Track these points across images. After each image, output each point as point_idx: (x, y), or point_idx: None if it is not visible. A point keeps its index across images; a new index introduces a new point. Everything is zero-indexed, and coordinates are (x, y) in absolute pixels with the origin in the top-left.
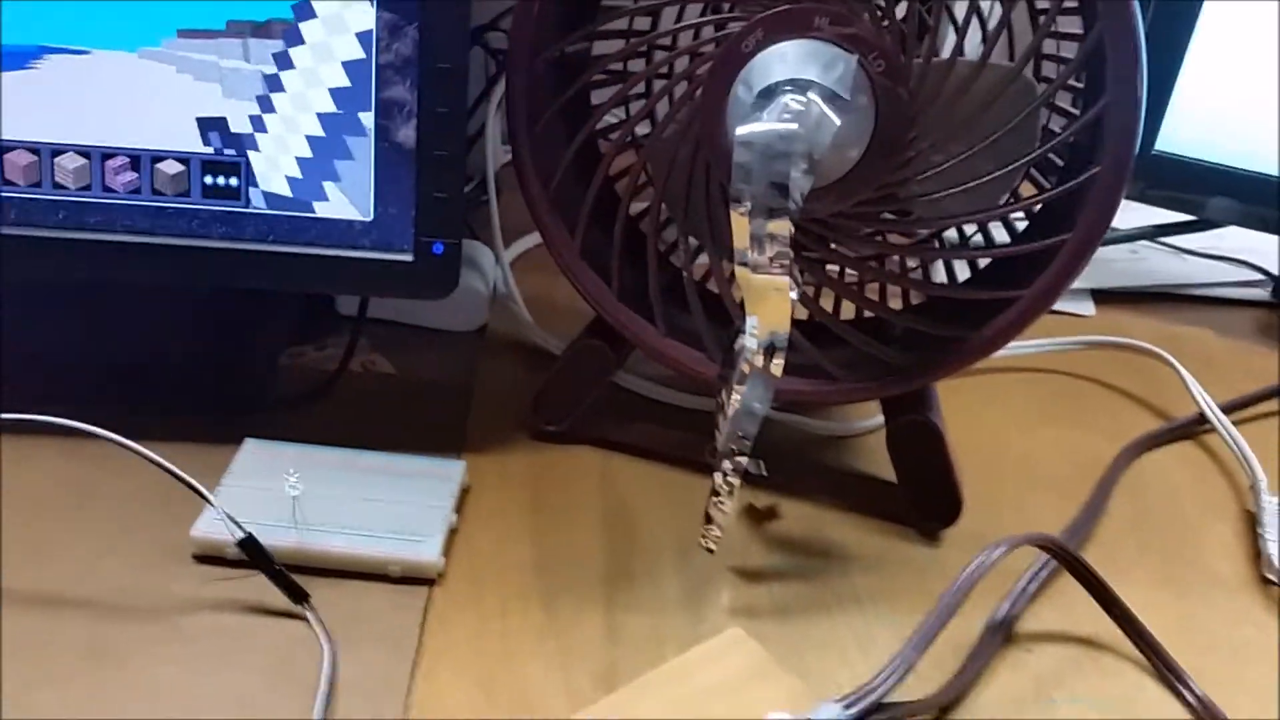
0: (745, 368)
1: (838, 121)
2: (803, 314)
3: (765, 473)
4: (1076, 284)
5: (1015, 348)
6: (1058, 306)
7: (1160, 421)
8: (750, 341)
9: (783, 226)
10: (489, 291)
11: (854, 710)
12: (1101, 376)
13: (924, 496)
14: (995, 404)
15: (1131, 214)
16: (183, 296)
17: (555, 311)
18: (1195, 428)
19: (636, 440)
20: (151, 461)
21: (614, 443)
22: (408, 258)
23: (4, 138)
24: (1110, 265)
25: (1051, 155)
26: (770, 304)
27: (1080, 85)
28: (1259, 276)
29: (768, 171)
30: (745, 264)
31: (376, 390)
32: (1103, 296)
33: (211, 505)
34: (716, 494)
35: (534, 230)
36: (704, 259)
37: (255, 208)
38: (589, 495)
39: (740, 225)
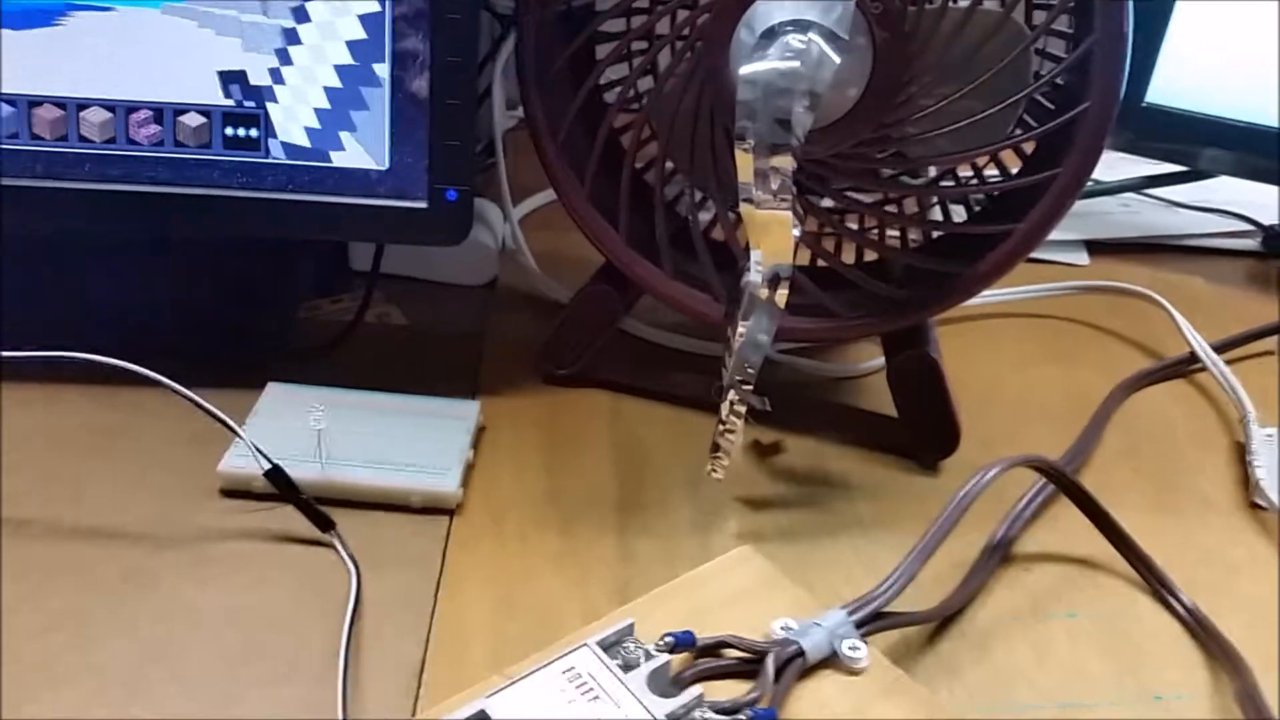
0: (750, 300)
1: (837, 60)
2: (805, 258)
3: (770, 408)
4: (1070, 235)
5: (1010, 293)
6: (1052, 257)
7: (1152, 361)
8: (755, 274)
9: (785, 161)
10: (498, 246)
11: (858, 616)
12: (1095, 320)
13: (923, 428)
14: (991, 347)
15: (1123, 167)
16: (200, 250)
17: (563, 266)
18: (1186, 366)
19: (645, 383)
20: (183, 396)
21: (623, 385)
22: (422, 205)
23: (32, 93)
24: (1103, 217)
25: (1043, 101)
26: (773, 237)
27: (1070, 32)
28: (1248, 227)
29: (771, 108)
30: (749, 200)
31: (391, 340)
32: (1096, 247)
33: (239, 437)
34: (724, 423)
35: (540, 191)
36: (710, 209)
37: (275, 158)
38: (600, 434)
39: (744, 161)
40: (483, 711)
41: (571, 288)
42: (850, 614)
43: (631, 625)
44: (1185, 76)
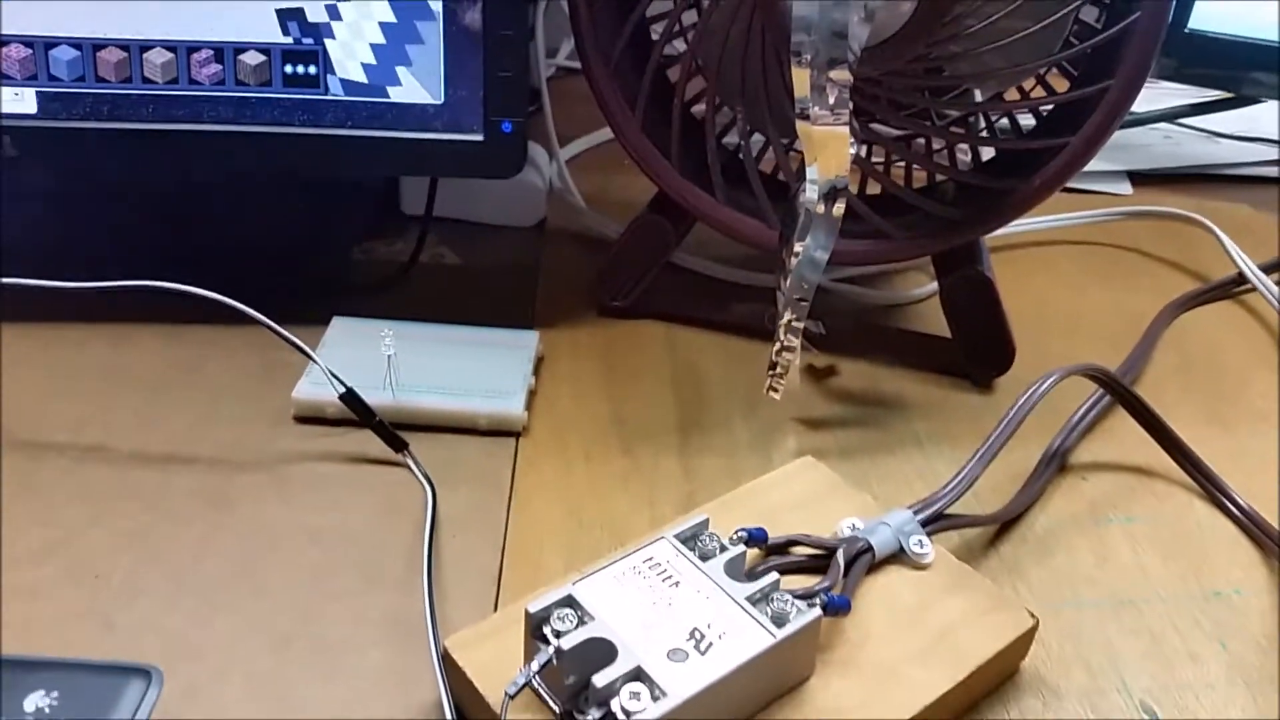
0: (807, 217)
1: None
2: (855, 184)
3: (824, 331)
4: (1113, 166)
5: (1058, 220)
6: (1096, 187)
7: (1200, 283)
8: (811, 191)
9: (842, 75)
10: (546, 186)
11: (922, 516)
12: (1142, 246)
13: (977, 346)
14: (1041, 272)
15: (1165, 98)
16: (254, 193)
17: (610, 206)
18: (1234, 288)
19: (699, 313)
20: (262, 323)
21: (677, 316)
22: (478, 137)
23: (95, 36)
24: (1146, 149)
25: (1091, 23)
26: (830, 152)
27: None
28: None
29: (828, 21)
30: (806, 116)
31: (448, 277)
32: (1139, 178)
33: (315, 362)
34: (781, 341)
35: (583, 136)
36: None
37: (334, 95)
38: (657, 361)
39: (801, 77)
40: (570, 595)
41: (620, 226)
42: (916, 514)
43: (707, 520)
44: (1229, 1)
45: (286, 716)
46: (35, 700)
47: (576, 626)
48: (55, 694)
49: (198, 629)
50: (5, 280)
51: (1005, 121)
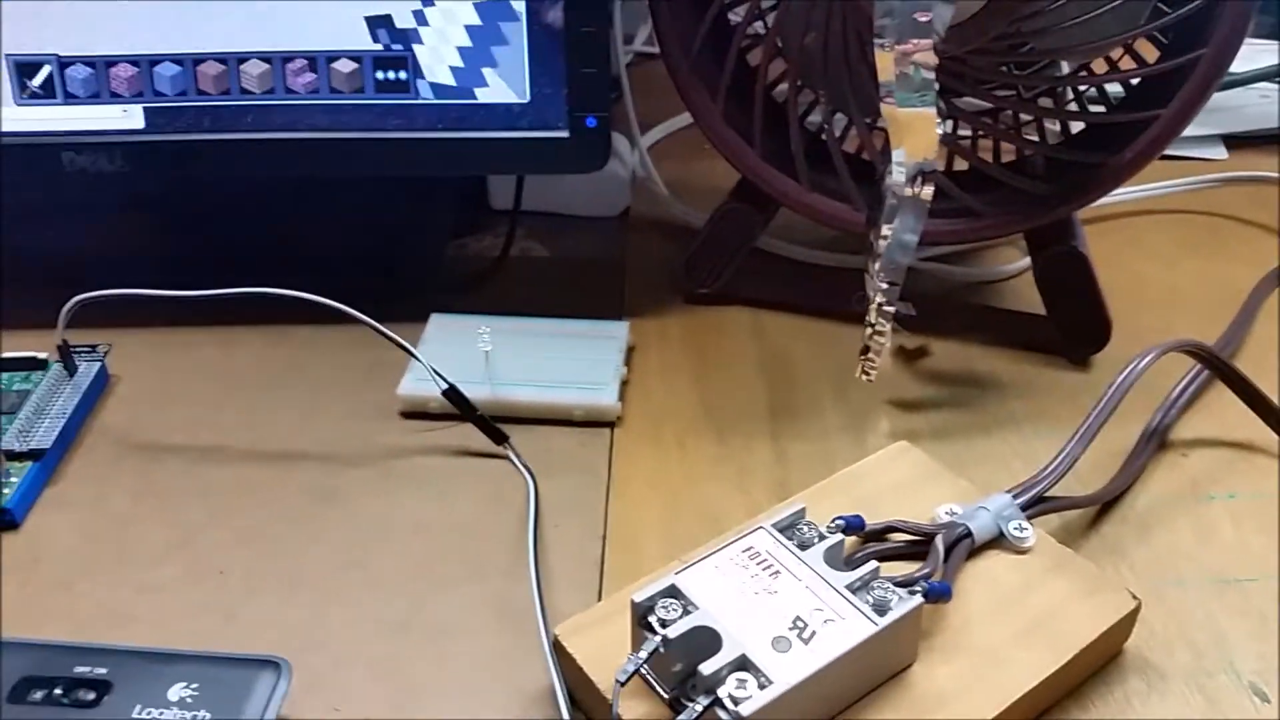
0: (894, 200)
1: None
2: (942, 162)
3: (914, 312)
4: (1207, 130)
5: (1150, 189)
6: (1190, 153)
7: None
8: (898, 173)
9: (927, 56)
10: (629, 175)
11: (1022, 500)
12: (1238, 213)
13: (1073, 323)
14: (1135, 244)
15: (1262, 55)
16: (349, 196)
17: (692, 192)
18: None
19: (786, 297)
20: (368, 325)
21: (764, 301)
22: (564, 134)
23: (195, 51)
24: (1240, 110)
25: None
26: (917, 133)
27: None
28: None
29: (910, 4)
30: (890, 99)
31: (537, 270)
32: (1234, 141)
33: (417, 360)
34: (872, 325)
35: (661, 124)
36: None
37: (424, 98)
38: (745, 347)
39: (885, 60)
40: (673, 585)
41: (703, 212)
42: (1015, 497)
43: (804, 509)
44: None
45: (408, 701)
46: (177, 691)
47: (681, 616)
48: (195, 685)
49: (316, 620)
50: (121, 290)
51: (1094, 92)
